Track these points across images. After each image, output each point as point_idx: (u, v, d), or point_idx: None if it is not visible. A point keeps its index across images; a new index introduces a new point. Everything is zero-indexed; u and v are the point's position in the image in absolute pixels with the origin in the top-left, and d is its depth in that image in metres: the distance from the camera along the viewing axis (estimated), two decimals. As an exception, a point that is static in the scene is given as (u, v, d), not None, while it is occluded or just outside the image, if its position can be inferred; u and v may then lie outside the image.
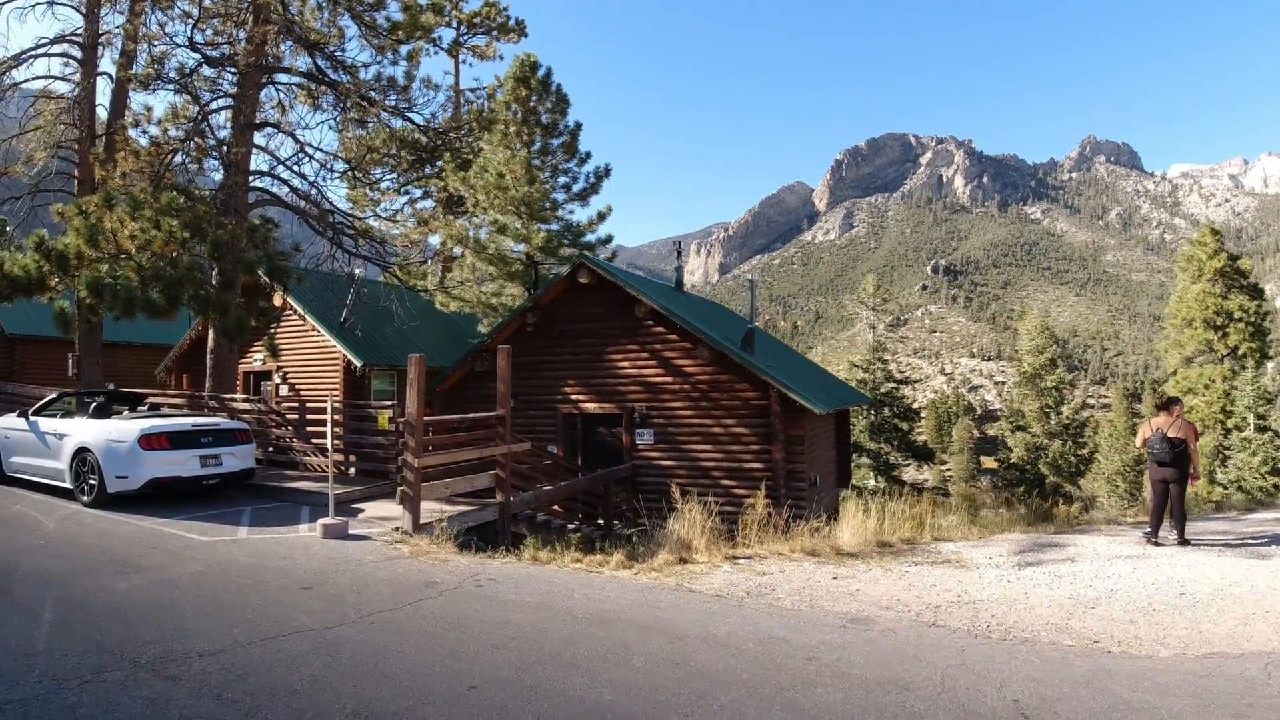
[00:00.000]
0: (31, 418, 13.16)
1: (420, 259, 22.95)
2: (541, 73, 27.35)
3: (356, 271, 22.40)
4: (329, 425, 10.67)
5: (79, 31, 21.58)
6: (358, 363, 21.49)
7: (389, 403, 14.18)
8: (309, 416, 15.98)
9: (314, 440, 15.58)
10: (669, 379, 17.77)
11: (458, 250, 29.41)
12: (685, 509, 12.46)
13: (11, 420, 13.65)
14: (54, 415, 13.23)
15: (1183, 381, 37.37)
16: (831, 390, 21.46)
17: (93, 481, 11.63)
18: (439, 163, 26.43)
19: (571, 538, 12.49)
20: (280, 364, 23.72)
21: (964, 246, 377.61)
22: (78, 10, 21.89)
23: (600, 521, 17.22)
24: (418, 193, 34.21)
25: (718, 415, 17.38)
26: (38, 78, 20.98)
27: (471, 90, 34.66)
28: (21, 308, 27.42)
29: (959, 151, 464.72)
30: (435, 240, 33.46)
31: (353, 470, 15.61)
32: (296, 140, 21.15)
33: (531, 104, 27.21)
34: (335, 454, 15.48)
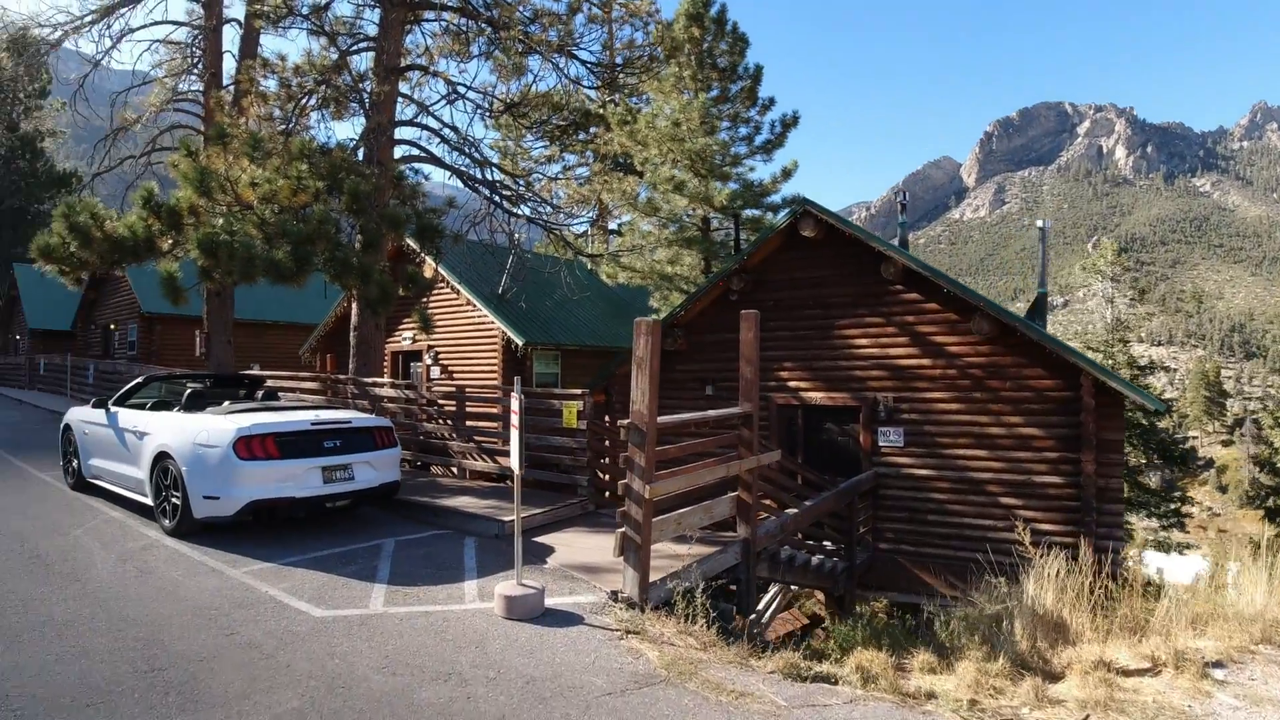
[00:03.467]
0: (112, 409, 10.01)
1: (587, 220, 19.20)
2: (715, 9, 23.27)
3: (516, 236, 18.85)
4: (511, 424, 6.81)
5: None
6: (519, 341, 17.99)
7: (577, 392, 10.34)
8: (468, 408, 12.36)
9: (476, 438, 11.93)
10: (925, 361, 13.36)
11: (624, 217, 25.74)
12: (1040, 562, 8.32)
13: (88, 412, 10.53)
14: (141, 405, 10.05)
15: None
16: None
17: (175, 500, 8.25)
18: (593, 129, 22.77)
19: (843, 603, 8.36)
20: (430, 343, 20.51)
21: (1127, 222, 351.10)
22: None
23: (831, 547, 13.02)
24: (572, 159, 30.83)
25: (997, 411, 12.87)
26: (156, 23, 18.30)
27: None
28: (159, 284, 25.38)
29: (1119, 120, 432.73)
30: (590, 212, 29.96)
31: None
32: (448, 82, 17.65)
33: (706, 44, 23.13)
34: (504, 458, 11.83)
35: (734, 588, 9.09)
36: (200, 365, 19.79)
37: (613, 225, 29.61)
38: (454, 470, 12.80)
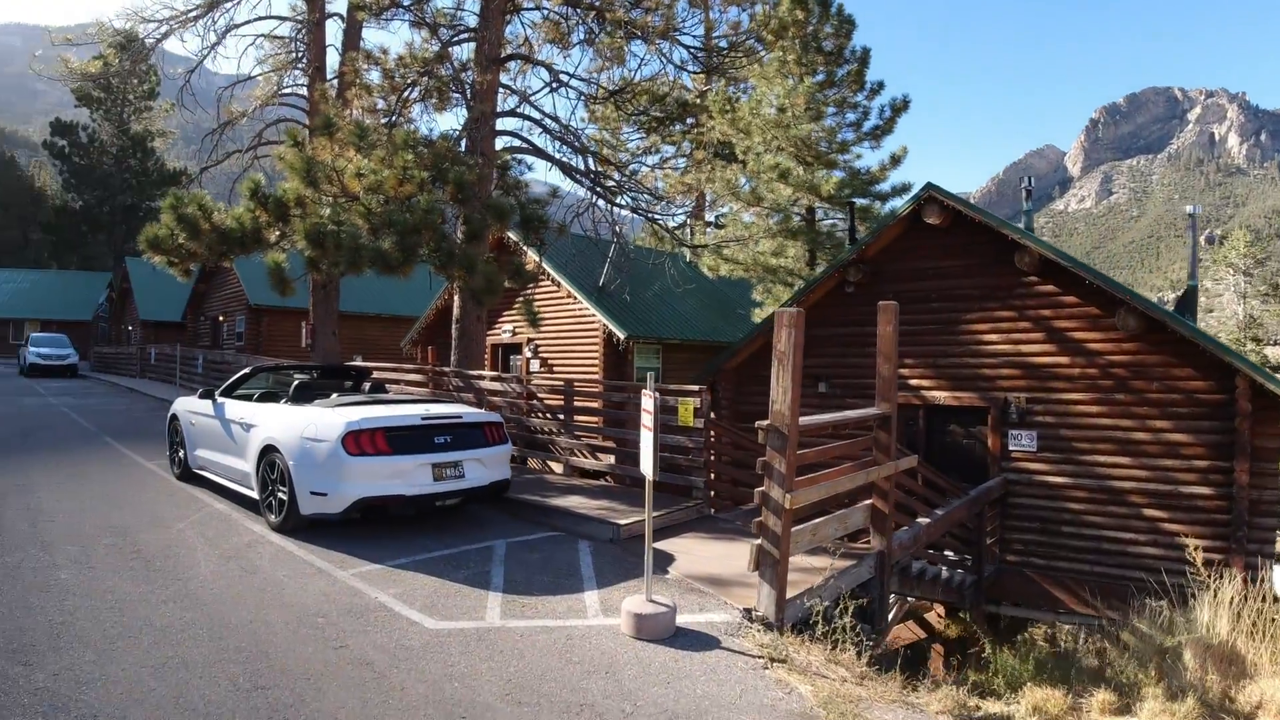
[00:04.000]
0: (219, 400, 9.83)
1: (684, 212, 18.58)
2: (821, -9, 22.29)
3: (618, 227, 18.34)
4: (644, 425, 6.24)
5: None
6: (621, 334, 17.52)
7: (694, 388, 9.73)
8: (576, 402, 11.91)
9: (582, 435, 11.49)
10: (1063, 360, 12.37)
11: (724, 208, 25.01)
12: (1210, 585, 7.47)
13: (195, 402, 10.36)
14: (248, 396, 9.87)
15: None
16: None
17: (282, 495, 7.95)
18: (690, 119, 22.08)
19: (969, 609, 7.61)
20: (530, 335, 20.22)
21: (1241, 214, 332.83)
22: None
23: (955, 558, 12.17)
24: (670, 150, 30.22)
25: (1141, 414, 11.80)
26: (260, 18, 18.36)
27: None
28: (266, 277, 25.82)
29: (1232, 106, 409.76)
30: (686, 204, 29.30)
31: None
32: (550, 70, 17.25)
33: (810, 27, 22.20)
34: (608, 455, 11.35)
35: (864, 602, 8.40)
36: (305, 356, 19.94)
37: (711, 216, 28.87)
38: (552, 466, 12.39)
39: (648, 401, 6.00)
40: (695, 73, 17.58)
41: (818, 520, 6.88)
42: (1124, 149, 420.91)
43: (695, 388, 9.69)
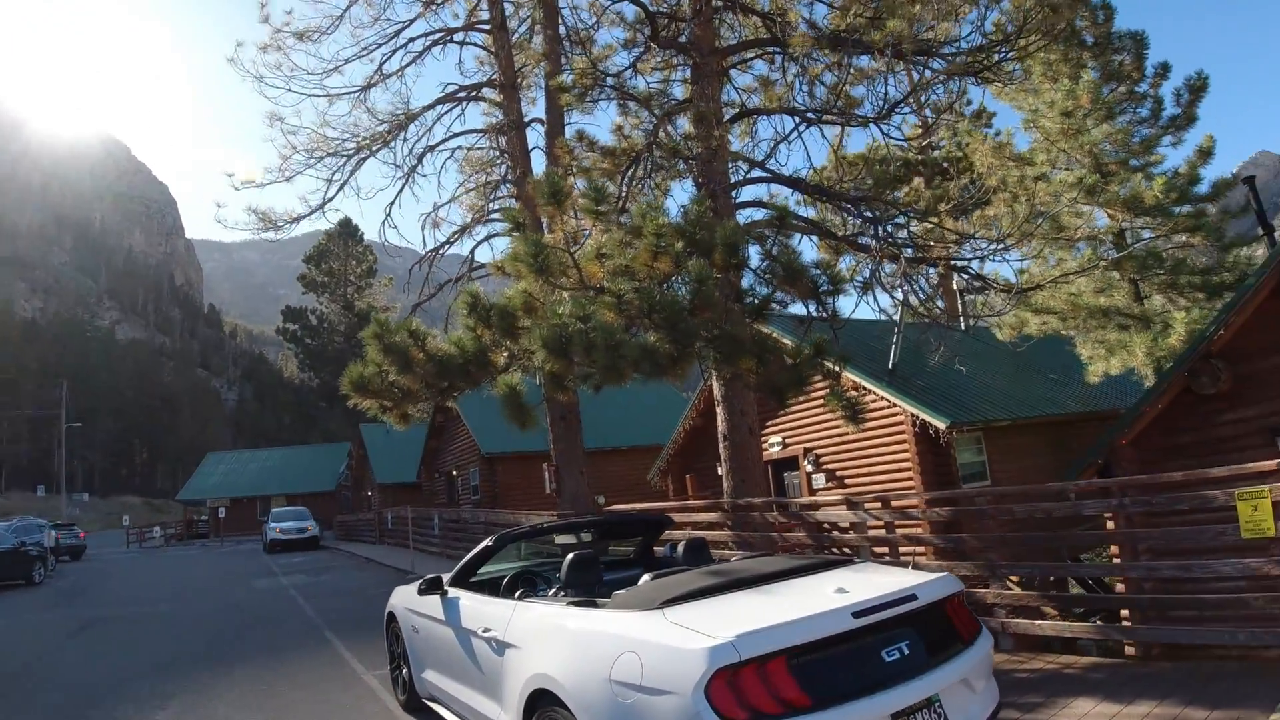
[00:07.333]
0: (450, 593, 6.33)
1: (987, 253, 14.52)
2: (1075, -21, 18.27)
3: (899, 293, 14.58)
4: None
5: (494, 77, 17.10)
6: (940, 424, 13.51)
7: (1271, 465, 5.53)
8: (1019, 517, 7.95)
9: (1011, 578, 7.53)
10: None
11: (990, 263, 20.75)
12: None
13: (414, 598, 6.79)
14: (496, 583, 6.46)
15: None
16: None
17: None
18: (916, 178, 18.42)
19: None
20: (806, 445, 16.55)
21: None
22: (484, 48, 17.45)
23: None
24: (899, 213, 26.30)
25: None
26: (453, 135, 16.60)
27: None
28: (497, 420, 23.60)
29: None
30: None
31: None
32: (795, 113, 14.13)
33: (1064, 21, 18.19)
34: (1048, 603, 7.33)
35: None
36: (552, 505, 17.14)
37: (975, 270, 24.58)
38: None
39: None
40: (972, 75, 13.87)
41: None
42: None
43: (1274, 465, 5.51)
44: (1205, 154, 17.81)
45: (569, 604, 4.89)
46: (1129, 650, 7.11)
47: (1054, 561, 10.51)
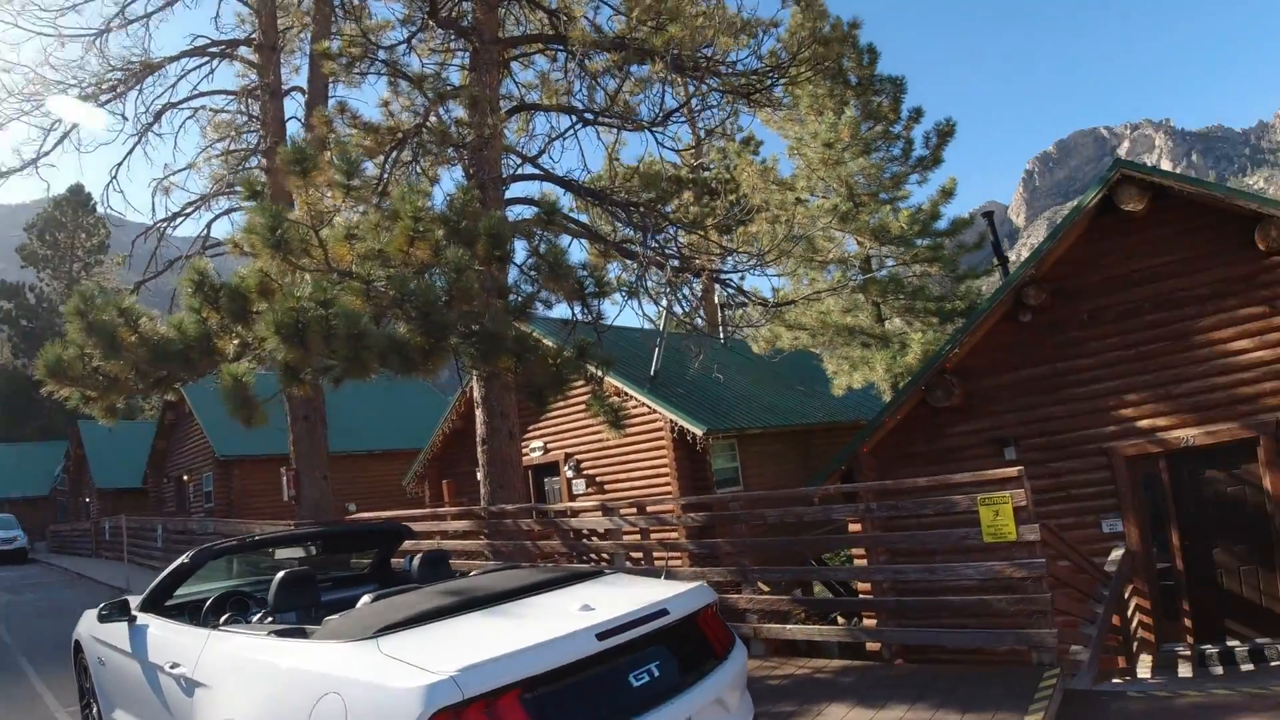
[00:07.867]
0: (140, 619, 5.25)
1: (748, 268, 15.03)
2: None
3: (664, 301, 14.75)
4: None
5: (253, 36, 15.74)
6: (697, 431, 13.73)
7: (1013, 473, 5.76)
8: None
9: (761, 583, 7.55)
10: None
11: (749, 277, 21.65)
12: None
13: (97, 626, 5.66)
14: (198, 606, 5.38)
15: None
16: None
17: None
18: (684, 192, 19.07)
19: None
20: (567, 450, 16.36)
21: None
22: (246, 4, 16.01)
23: None
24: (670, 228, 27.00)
25: None
26: (200, 94, 15.06)
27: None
28: (225, 399, 21.57)
29: (1158, 133, 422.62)
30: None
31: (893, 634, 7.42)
32: (574, 113, 13.91)
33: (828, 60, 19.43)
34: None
35: None
36: (289, 512, 15.79)
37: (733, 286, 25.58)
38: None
39: None
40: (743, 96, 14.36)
41: None
42: (1062, 193, 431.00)
43: (1014, 473, 5.76)
44: (947, 194, 19.52)
45: (270, 634, 4.13)
46: (870, 647, 7.36)
47: (801, 565, 10.89)
